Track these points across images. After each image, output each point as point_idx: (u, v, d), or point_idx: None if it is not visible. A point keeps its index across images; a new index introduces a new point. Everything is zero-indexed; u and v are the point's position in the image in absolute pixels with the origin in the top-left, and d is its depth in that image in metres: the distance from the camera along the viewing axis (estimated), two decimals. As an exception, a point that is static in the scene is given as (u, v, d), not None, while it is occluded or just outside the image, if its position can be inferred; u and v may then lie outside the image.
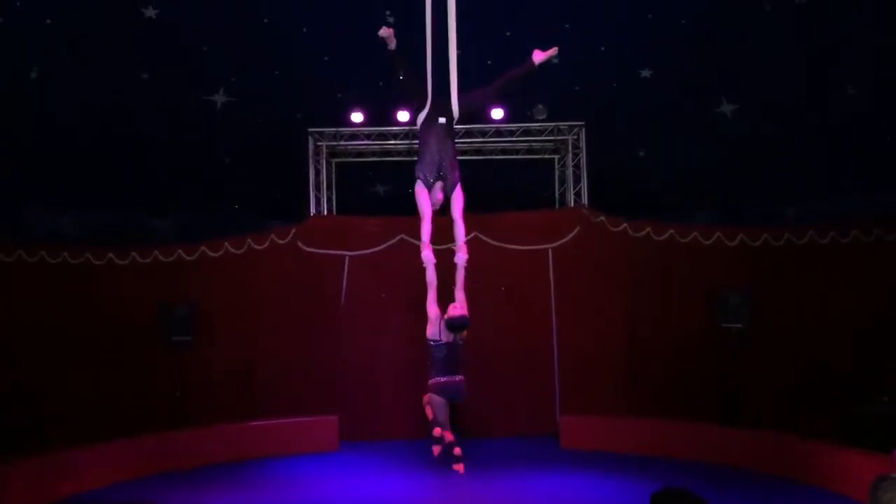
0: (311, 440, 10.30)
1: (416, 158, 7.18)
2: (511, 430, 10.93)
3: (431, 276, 6.91)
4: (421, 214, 6.90)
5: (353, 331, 11.31)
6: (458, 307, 6.86)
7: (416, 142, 11.73)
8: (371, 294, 11.43)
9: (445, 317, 6.86)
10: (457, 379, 6.99)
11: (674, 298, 11.20)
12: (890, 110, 11.17)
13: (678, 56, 11.66)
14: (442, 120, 7.06)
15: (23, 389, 10.57)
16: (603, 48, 11.76)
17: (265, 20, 11.35)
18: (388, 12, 11.23)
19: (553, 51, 7.09)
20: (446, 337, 6.93)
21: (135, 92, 11.74)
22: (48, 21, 10.83)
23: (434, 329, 6.94)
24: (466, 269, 6.98)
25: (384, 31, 6.89)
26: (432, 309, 6.97)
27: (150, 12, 11.00)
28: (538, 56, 7.15)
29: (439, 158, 6.96)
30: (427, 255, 6.82)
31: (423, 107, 7.09)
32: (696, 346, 10.97)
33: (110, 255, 11.51)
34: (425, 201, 6.91)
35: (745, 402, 10.47)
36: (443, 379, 6.96)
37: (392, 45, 6.91)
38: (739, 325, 10.46)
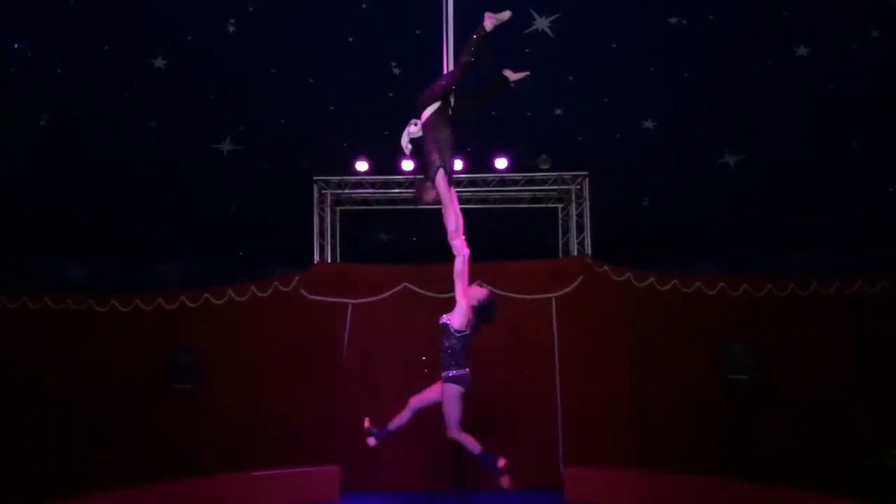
0: (312, 490, 10.14)
1: (431, 156, 7.09)
2: (514, 482, 10.76)
3: (465, 267, 6.94)
4: (454, 204, 6.88)
5: (356, 378, 11.23)
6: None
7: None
8: (374, 342, 11.39)
9: (476, 302, 7.01)
10: (468, 371, 7.09)
11: (678, 349, 11.12)
12: (890, 163, 11.27)
13: (681, 107, 11.78)
14: (449, 112, 7.12)
15: (23, 436, 10.53)
16: (606, 100, 11.88)
17: (272, 70, 11.51)
18: (393, 63, 11.41)
19: (525, 74, 7.18)
20: (471, 329, 7.00)
21: (143, 139, 11.87)
22: (59, 70, 11.01)
23: (464, 321, 6.96)
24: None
25: (504, 15, 6.80)
26: (465, 301, 6.98)
27: (160, 62, 11.16)
28: (510, 76, 7.23)
29: (454, 148, 7.03)
30: (462, 245, 6.84)
31: (438, 100, 7.08)
32: (701, 397, 10.87)
33: (113, 301, 11.51)
34: (451, 189, 6.93)
35: (753, 455, 10.34)
36: (465, 371, 6.99)
37: (489, 28, 6.80)
38: (745, 377, 10.37)
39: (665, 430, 10.84)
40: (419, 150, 7.13)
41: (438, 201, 6.91)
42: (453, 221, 6.83)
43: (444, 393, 7.07)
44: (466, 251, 6.86)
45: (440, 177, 6.85)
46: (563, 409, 11.09)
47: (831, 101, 11.29)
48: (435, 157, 6.91)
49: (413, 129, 7.26)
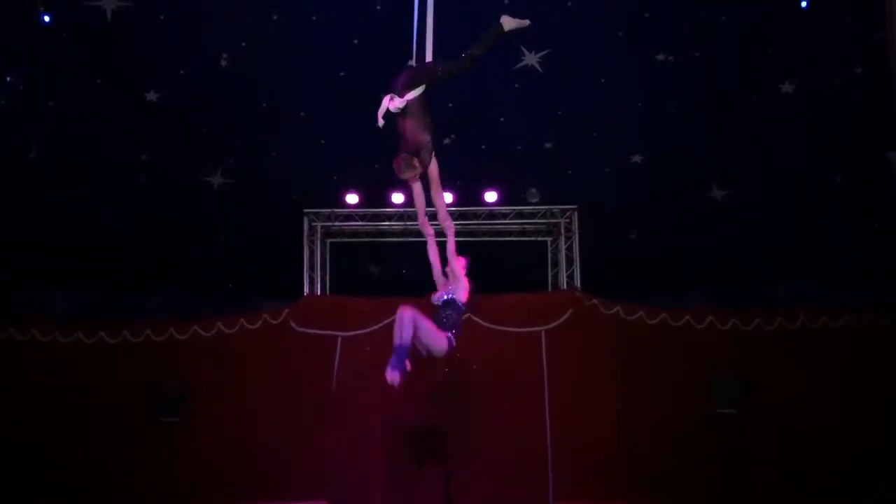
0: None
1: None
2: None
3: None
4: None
5: (346, 412, 11.16)
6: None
7: (410, 222, 12.00)
8: (364, 374, 11.31)
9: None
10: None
11: (668, 383, 11.08)
12: (876, 195, 11.37)
13: (668, 142, 11.90)
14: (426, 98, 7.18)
15: (8, 470, 10.43)
16: (595, 134, 12.00)
17: (264, 104, 11.59)
18: (384, 95, 11.49)
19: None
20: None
21: (134, 172, 11.90)
22: (50, 103, 11.05)
23: (466, 295, 7.04)
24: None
25: (523, 21, 6.84)
26: (466, 279, 7.06)
27: (152, 96, 11.23)
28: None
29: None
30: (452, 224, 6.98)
31: (425, 84, 7.08)
32: (690, 431, 10.82)
33: (101, 333, 11.44)
34: None
35: (742, 489, 10.30)
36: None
37: (507, 29, 6.73)
38: (734, 410, 10.36)
39: (654, 464, 10.78)
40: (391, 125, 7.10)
41: (416, 177, 6.95)
42: (444, 199, 6.95)
43: (439, 336, 6.93)
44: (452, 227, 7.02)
45: (434, 158, 6.93)
46: (552, 442, 11.03)
47: (816, 137, 11.43)
48: (428, 138, 6.94)
49: (397, 103, 7.20)
